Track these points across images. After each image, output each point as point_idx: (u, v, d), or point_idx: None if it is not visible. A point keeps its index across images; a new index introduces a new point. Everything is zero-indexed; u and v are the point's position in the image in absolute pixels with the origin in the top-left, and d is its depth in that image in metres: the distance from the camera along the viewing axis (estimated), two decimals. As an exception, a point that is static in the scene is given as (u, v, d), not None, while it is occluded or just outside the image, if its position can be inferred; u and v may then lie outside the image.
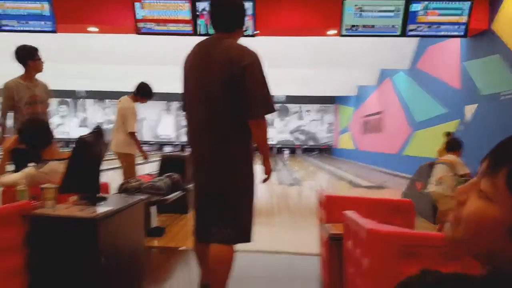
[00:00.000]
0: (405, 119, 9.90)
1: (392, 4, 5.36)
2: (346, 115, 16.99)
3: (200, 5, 5.35)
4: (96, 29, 6.15)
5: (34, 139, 2.35)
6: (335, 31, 5.80)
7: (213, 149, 2.02)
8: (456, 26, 5.44)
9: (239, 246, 2.08)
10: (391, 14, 5.40)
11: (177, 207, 4.47)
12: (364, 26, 5.48)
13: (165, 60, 8.70)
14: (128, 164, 4.25)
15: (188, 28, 5.49)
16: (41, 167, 2.27)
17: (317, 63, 9.59)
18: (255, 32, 5.46)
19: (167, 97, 17.68)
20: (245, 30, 4.85)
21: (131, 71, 9.71)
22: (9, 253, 1.75)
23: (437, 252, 1.30)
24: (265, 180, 2.11)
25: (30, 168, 2.28)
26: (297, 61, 9.08)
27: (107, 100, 19.72)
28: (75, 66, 10.59)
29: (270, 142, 2.12)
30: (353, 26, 5.49)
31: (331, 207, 2.26)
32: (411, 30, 5.48)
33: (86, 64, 10.45)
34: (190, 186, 4.62)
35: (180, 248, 3.31)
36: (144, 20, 5.51)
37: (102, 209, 2.01)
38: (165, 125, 19.85)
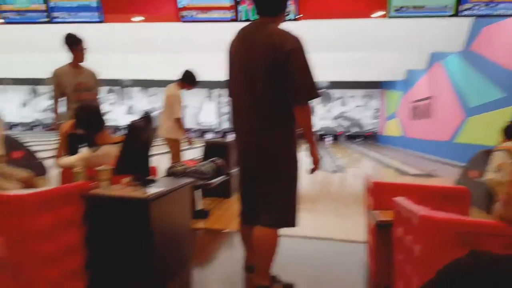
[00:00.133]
0: (458, 104, 9.34)
1: (445, -18, 5.02)
2: (393, 101, 16.28)
3: (242, -9, 5.33)
4: (141, 18, 6.30)
5: (88, 124, 2.48)
6: (382, 13, 5.54)
7: (256, 133, 2.03)
8: (516, 4, 4.99)
9: (283, 231, 2.09)
10: (444, -7, 5.06)
11: (221, 191, 4.57)
12: (414, 7, 5.19)
13: (206, 48, 8.81)
14: (174, 149, 4.41)
15: (230, 14, 5.49)
16: (96, 150, 2.40)
17: (363, 47, 9.25)
18: (298, 16, 5.36)
19: (209, 84, 17.97)
20: (288, 14, 4.77)
21: (173, 59, 9.93)
22: (69, 229, 1.88)
23: (497, 243, 1.22)
24: (313, 171, 2.08)
25: (86, 152, 2.42)
26: (341, 45, 8.82)
27: (151, 88, 20.37)
28: (120, 56, 11.03)
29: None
30: (402, 7, 5.21)
31: (379, 193, 2.19)
32: (465, 10, 5.10)
33: (131, 54, 10.82)
34: (233, 171, 4.71)
35: (224, 231, 3.39)
36: (187, 9, 5.58)
37: (153, 190, 2.10)
38: (206, 112, 20.20)
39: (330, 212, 4.37)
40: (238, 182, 2.30)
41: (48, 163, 6.18)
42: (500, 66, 7.18)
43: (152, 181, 2.31)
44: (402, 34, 7.93)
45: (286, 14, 2.17)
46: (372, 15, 5.76)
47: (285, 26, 2.04)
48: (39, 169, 5.80)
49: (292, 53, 1.90)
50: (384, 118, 18.05)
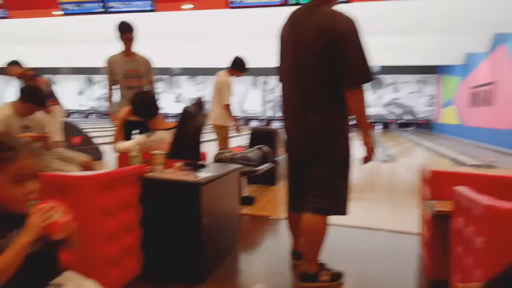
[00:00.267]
0: (524, 90, 8.60)
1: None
2: (451, 87, 15.23)
3: (291, -26, 5.23)
4: (190, 6, 6.41)
5: (144, 110, 2.58)
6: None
7: (305, 118, 1.99)
8: None
9: (331, 219, 2.06)
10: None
11: (266, 178, 4.60)
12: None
13: (253, 36, 8.79)
14: (222, 136, 4.46)
15: (278, -2, 5.44)
16: (151, 136, 2.50)
17: (417, 29, 8.72)
18: (350, -2, 5.19)
19: (254, 72, 17.96)
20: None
21: (221, 47, 10.03)
22: (127, 209, 1.98)
23: None
24: (366, 160, 2.02)
25: (141, 137, 2.53)
26: (393, 28, 8.39)
27: (199, 77, 20.78)
28: (170, 45, 11.31)
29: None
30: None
31: (437, 183, 2.08)
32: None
33: (180, 43, 11.07)
34: (279, 158, 4.71)
35: (270, 217, 3.41)
36: (235, -6, 5.60)
37: (204, 174, 2.16)
38: (251, 100, 20.26)
39: (380, 202, 4.25)
40: (286, 168, 2.30)
41: (104, 148, 6.57)
42: None
43: (203, 166, 2.37)
44: (461, 14, 7.38)
45: None
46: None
47: (338, 8, 1.98)
48: (96, 154, 6.19)
49: (345, 34, 1.84)
50: (439, 105, 16.99)
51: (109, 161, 5.78)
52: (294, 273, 2.19)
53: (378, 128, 17.89)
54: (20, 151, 0.99)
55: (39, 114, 3.09)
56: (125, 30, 3.58)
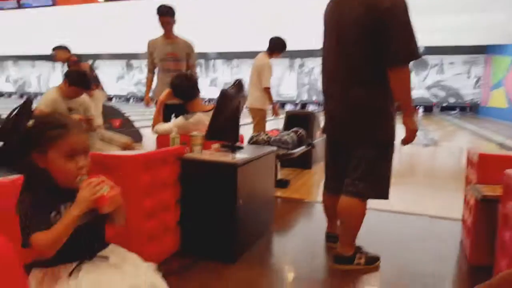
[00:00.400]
0: None
1: None
2: (501, 67, 14.21)
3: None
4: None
5: (183, 93, 2.62)
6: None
7: (348, 95, 1.94)
8: None
9: (370, 203, 2.02)
10: None
11: (301, 162, 4.58)
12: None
13: (285, 19, 8.64)
14: (259, 119, 4.43)
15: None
16: (189, 118, 2.55)
17: (466, 8, 8.21)
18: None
19: (290, 54, 17.67)
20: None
21: (254, 30, 9.95)
22: (166, 188, 2.05)
23: None
24: (405, 142, 1.95)
25: (180, 119, 2.58)
26: (440, 7, 7.94)
27: (234, 60, 20.79)
28: (206, 30, 11.37)
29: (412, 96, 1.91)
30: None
31: (485, 166, 1.98)
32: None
33: (216, 27, 11.10)
34: (315, 141, 4.66)
35: (305, 200, 3.41)
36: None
37: (240, 156, 2.18)
38: (287, 83, 20.05)
39: (420, 187, 4.13)
40: (324, 149, 2.26)
41: (143, 131, 6.78)
42: None
43: (240, 148, 2.39)
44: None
45: None
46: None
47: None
48: (136, 136, 6.41)
49: (390, 11, 1.76)
50: (487, 88, 15.97)
51: (149, 144, 5.97)
52: (329, 256, 2.19)
53: (420, 111, 17.16)
54: (71, 128, 1.04)
55: (83, 97, 3.23)
56: (164, 13, 3.59)
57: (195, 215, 2.16)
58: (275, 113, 4.61)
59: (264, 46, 4.41)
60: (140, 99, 21.93)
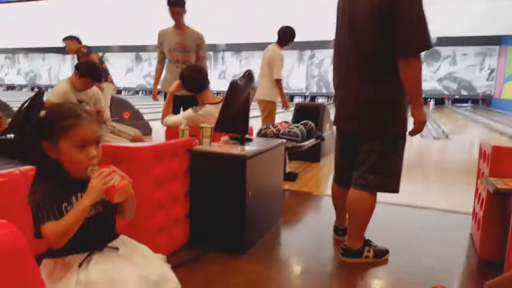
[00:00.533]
0: None
1: None
2: (515, 59, 14.00)
3: None
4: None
5: (193, 84, 2.62)
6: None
7: (360, 88, 1.91)
8: None
9: (380, 197, 2.01)
10: None
11: (310, 155, 4.56)
12: None
13: (296, 9, 8.55)
14: (268, 111, 4.37)
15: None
16: (198, 110, 2.54)
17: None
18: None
19: (300, 45, 17.52)
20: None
21: (263, 21, 9.87)
22: (175, 180, 2.06)
23: None
24: (412, 133, 1.92)
25: (189, 111, 2.58)
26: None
27: (243, 52, 20.70)
28: (215, 21, 11.32)
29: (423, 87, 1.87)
30: None
31: (498, 159, 1.94)
32: None
33: (225, 18, 11.04)
34: (325, 134, 4.63)
35: (313, 193, 3.40)
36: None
37: (250, 148, 2.18)
38: (297, 75, 19.92)
39: (430, 180, 4.09)
40: (335, 141, 2.24)
41: (152, 123, 6.82)
42: None
43: (249, 140, 2.39)
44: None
45: None
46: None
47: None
48: (146, 129, 6.44)
49: (403, 0, 1.71)
50: (501, 79, 15.64)
51: (158, 137, 6.00)
52: (337, 249, 2.18)
53: (432, 103, 16.91)
54: (82, 118, 1.04)
55: (93, 89, 3.24)
56: (174, 3, 3.56)
57: (204, 207, 2.17)
58: (285, 106, 4.56)
59: (274, 37, 4.35)
60: (149, 92, 22.04)
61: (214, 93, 2.75)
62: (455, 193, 3.54)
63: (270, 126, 3.82)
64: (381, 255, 2.09)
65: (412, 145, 6.24)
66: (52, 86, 17.76)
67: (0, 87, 26.29)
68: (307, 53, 19.46)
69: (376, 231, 2.23)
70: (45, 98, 3.33)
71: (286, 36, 4.28)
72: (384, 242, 2.18)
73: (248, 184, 2.05)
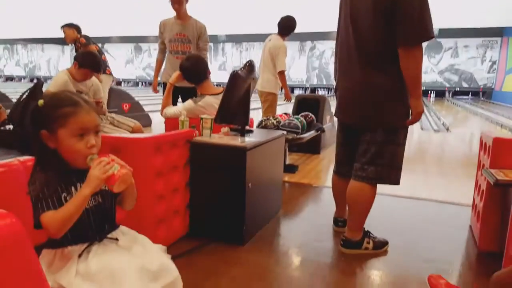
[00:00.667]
0: None
1: None
2: (518, 51, 13.90)
3: None
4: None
5: (193, 75, 2.60)
6: None
7: (359, 79, 1.90)
8: None
9: (379, 188, 2.01)
10: None
11: (310, 147, 4.55)
12: None
13: (296, 1, 8.47)
14: (270, 103, 4.32)
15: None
16: (198, 101, 2.53)
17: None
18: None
19: (301, 36, 17.40)
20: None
21: (264, 12, 9.78)
22: (175, 171, 2.06)
23: None
24: (409, 122, 1.91)
25: (189, 102, 2.57)
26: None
27: (243, 44, 20.58)
28: (215, 11, 11.23)
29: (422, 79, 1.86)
30: None
31: (499, 151, 1.94)
32: None
33: (225, 9, 10.94)
34: (325, 126, 4.62)
35: (314, 185, 3.40)
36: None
37: (250, 140, 2.17)
38: (297, 67, 19.82)
39: (429, 172, 4.09)
40: (336, 132, 2.23)
41: (152, 115, 6.81)
42: None
43: (249, 132, 2.38)
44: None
45: None
46: None
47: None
48: (145, 120, 6.43)
49: None
50: (503, 72, 15.57)
51: (158, 128, 5.99)
52: (337, 240, 2.19)
53: (432, 96, 16.86)
54: (81, 107, 1.03)
55: (93, 80, 3.22)
56: None
57: (204, 198, 2.17)
58: (288, 98, 4.53)
59: (275, 28, 4.27)
60: (149, 83, 21.95)
61: (215, 85, 2.73)
62: (455, 185, 3.54)
63: (271, 118, 3.81)
64: (380, 247, 2.10)
65: (413, 137, 6.24)
66: (51, 77, 17.69)
67: (-1, 78, 26.21)
68: (308, 44, 19.34)
69: (376, 222, 2.23)
70: (44, 89, 3.31)
71: (287, 26, 4.20)
72: (384, 234, 2.18)
73: (248, 175, 2.05)
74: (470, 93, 17.10)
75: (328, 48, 18.86)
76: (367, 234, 2.10)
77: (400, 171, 1.99)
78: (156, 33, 3.78)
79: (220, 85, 2.81)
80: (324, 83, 19.22)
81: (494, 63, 16.54)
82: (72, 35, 4.73)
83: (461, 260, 2.06)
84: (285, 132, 2.78)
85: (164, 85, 3.60)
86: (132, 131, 3.31)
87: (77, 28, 4.76)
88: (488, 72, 16.72)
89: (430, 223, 2.55)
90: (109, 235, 1.09)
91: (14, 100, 3.61)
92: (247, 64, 2.26)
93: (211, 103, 2.50)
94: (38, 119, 1.02)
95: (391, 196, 2.93)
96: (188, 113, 2.38)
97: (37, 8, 14.88)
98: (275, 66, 4.17)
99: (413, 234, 2.36)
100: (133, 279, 0.97)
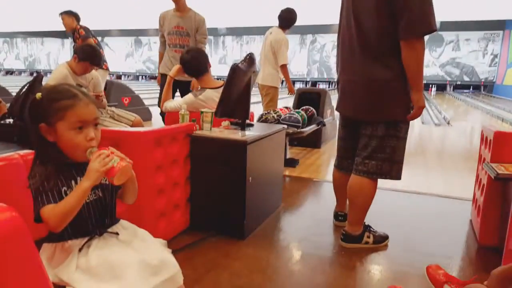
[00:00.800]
0: None
1: None
2: (519, 44, 13.80)
3: None
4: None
5: (194, 68, 2.58)
6: None
7: (361, 72, 1.89)
8: None
9: (380, 183, 2.00)
10: None
11: (311, 141, 4.55)
12: None
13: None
14: (271, 96, 4.31)
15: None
16: (198, 94, 2.52)
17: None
18: None
19: (302, 29, 17.29)
20: None
21: (265, 4, 9.70)
22: (177, 164, 2.06)
23: None
24: (410, 118, 1.89)
25: (189, 95, 2.56)
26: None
27: (244, 37, 20.47)
28: (215, 3, 11.13)
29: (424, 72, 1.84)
30: None
31: (500, 145, 1.93)
32: None
33: (224, 1, 10.84)
34: (326, 120, 4.61)
35: (314, 179, 3.40)
36: None
37: (250, 133, 2.16)
38: (298, 60, 19.73)
39: (430, 166, 4.09)
40: (338, 126, 2.22)
41: (152, 109, 6.79)
42: None
43: (250, 126, 2.37)
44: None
45: None
46: None
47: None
48: (145, 114, 6.41)
49: None
50: (504, 65, 15.48)
51: (158, 122, 5.97)
52: (337, 234, 2.19)
53: (433, 90, 16.81)
54: (79, 99, 1.02)
55: (92, 73, 3.21)
56: None
57: (205, 192, 2.17)
58: (291, 91, 4.50)
59: (275, 21, 4.24)
60: (149, 77, 21.89)
61: (215, 78, 2.72)
62: (456, 179, 3.54)
63: (271, 112, 3.80)
64: (381, 241, 2.10)
65: (413, 131, 6.23)
66: (51, 71, 17.64)
67: (-1, 72, 26.15)
68: (309, 37, 19.23)
69: (376, 216, 2.23)
70: (44, 83, 3.30)
71: (288, 19, 4.16)
72: (384, 228, 2.18)
73: (248, 169, 2.05)
74: (471, 86, 17.04)
75: (329, 41, 18.76)
76: (367, 228, 2.10)
77: (401, 166, 1.98)
78: (157, 26, 3.75)
79: (220, 79, 2.79)
80: (325, 76, 19.15)
81: (495, 56, 16.45)
82: (71, 24, 4.66)
83: (461, 254, 2.07)
84: (285, 126, 2.77)
85: (162, 76, 3.58)
86: (132, 125, 3.30)
87: (76, 17, 4.68)
88: (490, 66, 16.63)
89: (431, 217, 2.55)
90: (110, 229, 1.09)
91: (14, 94, 3.60)
92: (248, 57, 2.25)
93: (211, 96, 2.49)
94: (36, 112, 1.01)
95: (392, 190, 2.93)
96: (188, 107, 2.37)
97: (37, 0, 14.80)
98: (277, 60, 4.15)
99: (414, 228, 2.36)
100: (133, 273, 0.97)
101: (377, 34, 1.81)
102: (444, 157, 4.73)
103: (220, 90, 2.33)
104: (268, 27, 4.35)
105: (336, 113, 2.21)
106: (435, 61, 17.36)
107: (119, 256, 1.01)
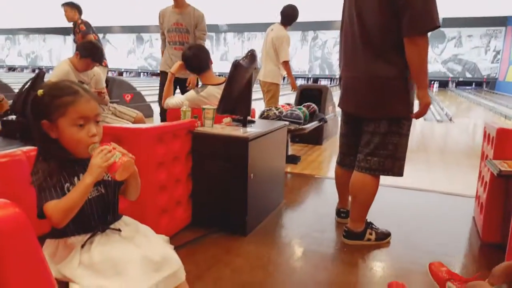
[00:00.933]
0: None
1: None
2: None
3: None
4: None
5: (196, 65, 2.58)
6: None
7: (364, 68, 1.88)
8: None
9: (382, 179, 2.00)
10: None
11: (312, 137, 4.54)
12: None
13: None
14: (272, 93, 4.30)
15: None
16: (201, 91, 2.52)
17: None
18: None
19: (303, 26, 17.23)
20: None
21: (267, 1, 9.66)
22: (179, 161, 2.06)
23: None
24: (417, 116, 1.89)
25: (191, 92, 2.55)
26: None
27: (245, 33, 20.42)
28: (216, 0, 11.09)
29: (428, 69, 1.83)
30: None
31: (503, 141, 1.93)
32: None
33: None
34: (327, 116, 4.60)
35: (316, 176, 3.40)
36: None
37: (252, 130, 2.16)
38: (299, 57, 19.69)
39: (432, 163, 4.08)
40: (340, 122, 2.22)
41: (154, 106, 6.79)
42: None
43: (251, 122, 2.37)
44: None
45: None
46: None
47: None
48: (147, 110, 6.42)
49: None
50: (507, 62, 15.41)
51: (160, 119, 5.97)
52: (339, 231, 2.19)
53: (435, 86, 16.76)
54: (80, 95, 1.02)
55: (94, 70, 3.21)
56: None
57: (207, 188, 2.17)
58: (294, 87, 4.49)
59: (277, 17, 4.23)
60: (151, 74, 21.88)
61: (217, 75, 2.71)
62: (458, 176, 3.54)
63: (273, 108, 3.79)
64: (383, 238, 2.10)
65: (415, 128, 6.21)
66: (53, 68, 17.61)
67: (1, 69, 26.17)
68: (310, 34, 19.17)
69: (379, 213, 2.23)
70: (46, 79, 3.30)
71: (290, 15, 4.15)
72: (386, 225, 2.18)
73: (250, 166, 2.04)
74: (474, 83, 16.98)
75: (330, 38, 18.70)
76: (369, 225, 2.10)
77: (404, 163, 1.97)
78: (158, 22, 3.74)
79: (222, 75, 2.79)
80: (327, 73, 19.11)
81: (498, 53, 16.36)
82: (73, 16, 4.64)
83: (464, 251, 2.06)
84: (287, 123, 2.76)
85: (162, 74, 3.57)
86: (134, 122, 3.30)
87: (79, 10, 4.66)
88: (492, 62, 16.55)
89: (433, 214, 2.55)
90: (112, 226, 1.09)
91: (16, 91, 3.61)
92: (249, 54, 2.24)
93: (213, 93, 2.49)
94: (38, 109, 1.01)
95: (394, 187, 2.93)
96: (190, 103, 2.36)
97: (38, -3, 14.80)
98: (278, 56, 4.14)
99: (416, 225, 2.35)
100: (136, 269, 0.97)
101: (380, 31, 1.80)
102: (446, 154, 4.72)
103: (222, 86, 2.32)
104: (270, 24, 4.34)
105: (338, 110, 2.20)
106: (437, 57, 17.29)
107: (122, 252, 1.01)
